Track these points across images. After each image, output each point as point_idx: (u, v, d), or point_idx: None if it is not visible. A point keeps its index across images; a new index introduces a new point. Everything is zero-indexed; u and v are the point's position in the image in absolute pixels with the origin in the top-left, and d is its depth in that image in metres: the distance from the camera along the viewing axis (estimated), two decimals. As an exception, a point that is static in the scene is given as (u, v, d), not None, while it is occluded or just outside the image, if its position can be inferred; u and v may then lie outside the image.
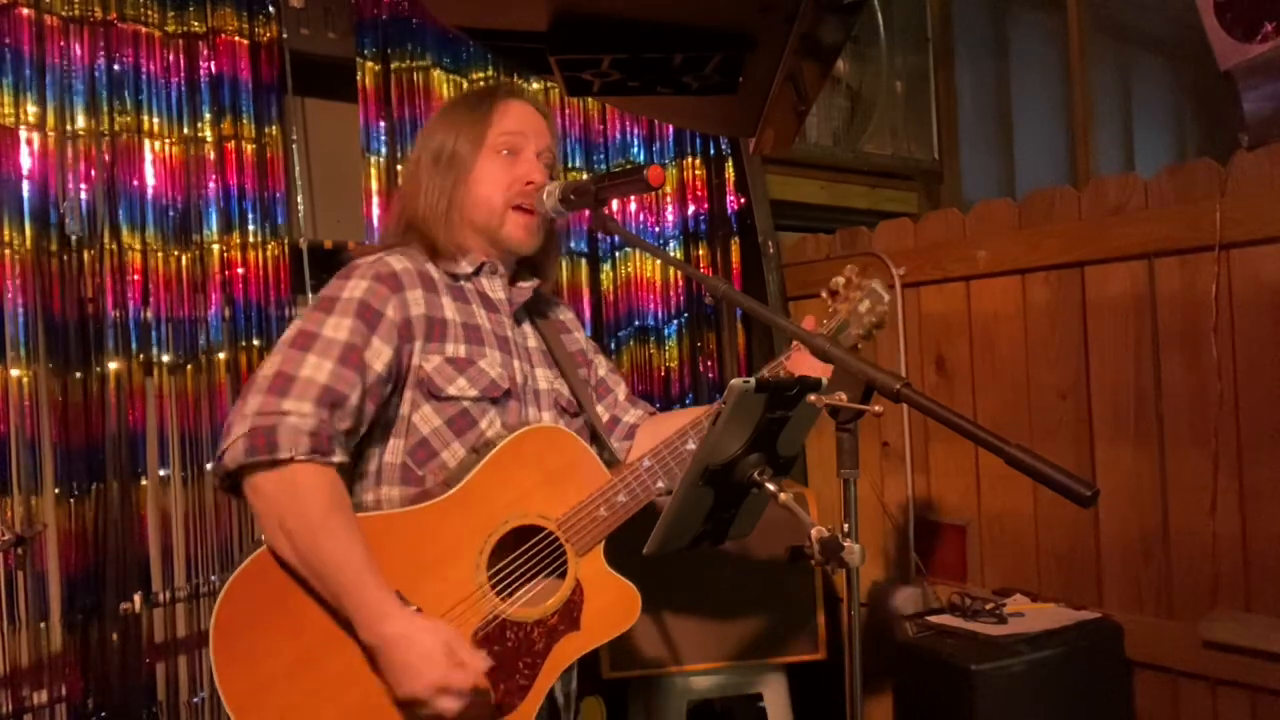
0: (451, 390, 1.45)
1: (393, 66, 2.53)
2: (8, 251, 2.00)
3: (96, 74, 2.11)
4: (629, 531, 1.49)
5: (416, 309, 1.45)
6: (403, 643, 1.30)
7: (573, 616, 1.46)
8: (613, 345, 2.92)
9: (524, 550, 1.46)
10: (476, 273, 1.56)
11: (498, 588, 1.43)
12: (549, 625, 1.45)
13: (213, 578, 2.21)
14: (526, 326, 1.64)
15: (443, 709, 1.30)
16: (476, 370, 1.47)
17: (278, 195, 2.35)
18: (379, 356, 1.40)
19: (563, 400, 1.62)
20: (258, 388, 1.33)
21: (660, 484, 1.52)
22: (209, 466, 2.21)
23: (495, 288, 1.58)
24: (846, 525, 1.13)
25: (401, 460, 1.46)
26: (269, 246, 2.33)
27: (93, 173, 2.11)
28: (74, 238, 2.08)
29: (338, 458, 1.34)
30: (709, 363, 3.06)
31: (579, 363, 1.71)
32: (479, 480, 1.42)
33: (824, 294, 1.68)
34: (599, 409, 1.72)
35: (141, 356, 2.15)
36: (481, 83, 2.69)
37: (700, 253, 3.06)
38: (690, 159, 3.04)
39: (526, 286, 1.61)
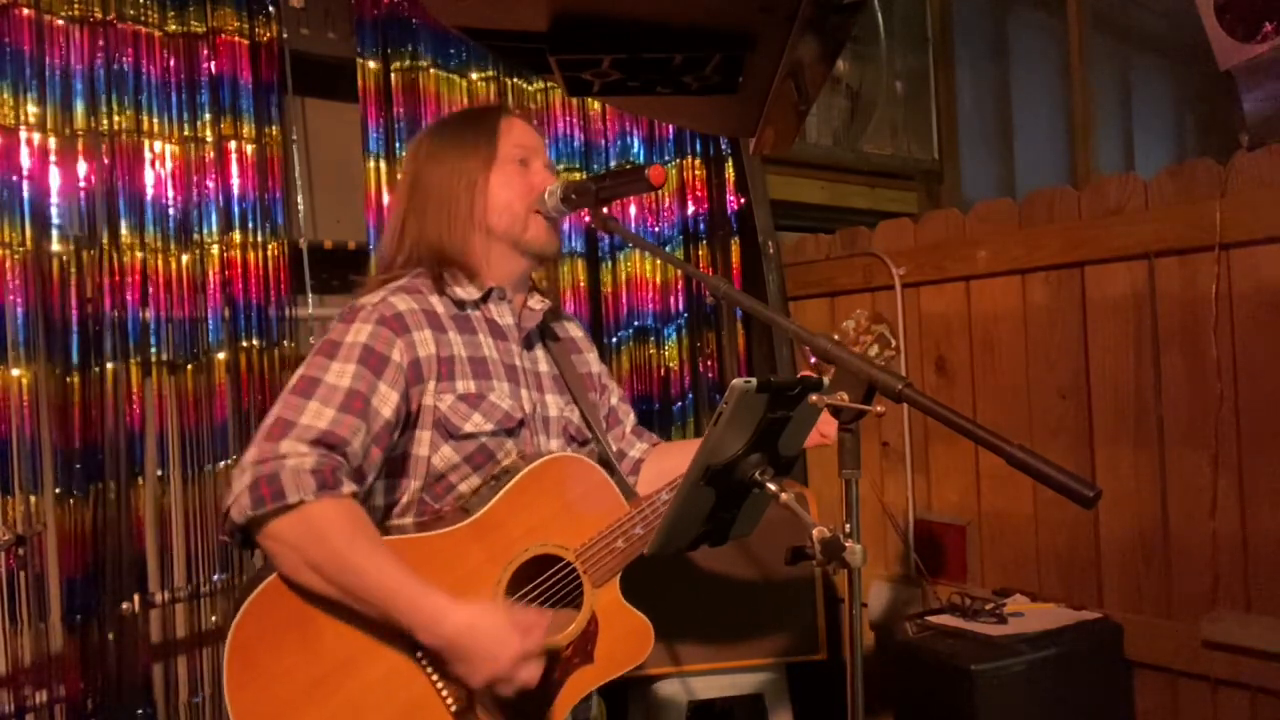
0: (468, 427, 1.43)
1: (393, 66, 2.53)
2: (7, 251, 2.00)
3: (96, 74, 2.11)
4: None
5: (425, 350, 1.42)
6: (471, 631, 1.29)
7: (587, 649, 1.45)
8: (613, 345, 2.92)
9: (542, 580, 1.44)
10: (485, 299, 1.54)
11: None
12: (564, 657, 1.43)
13: (213, 578, 2.21)
14: (538, 350, 1.61)
15: (526, 679, 1.31)
16: (489, 404, 1.46)
17: (278, 195, 2.35)
18: (386, 402, 1.37)
19: (572, 428, 1.60)
20: (257, 437, 1.31)
21: None
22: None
23: (503, 313, 1.55)
24: (848, 525, 1.13)
25: (418, 498, 1.45)
26: (269, 246, 2.33)
27: (93, 173, 2.11)
28: (74, 238, 2.08)
29: (346, 489, 1.30)
30: (709, 363, 3.05)
31: (590, 387, 1.69)
32: (499, 507, 1.41)
33: (834, 338, 1.67)
34: (608, 439, 1.70)
35: (141, 356, 2.15)
36: (481, 83, 2.69)
37: (700, 253, 3.06)
38: (690, 159, 3.04)
39: (537, 309, 1.59)
